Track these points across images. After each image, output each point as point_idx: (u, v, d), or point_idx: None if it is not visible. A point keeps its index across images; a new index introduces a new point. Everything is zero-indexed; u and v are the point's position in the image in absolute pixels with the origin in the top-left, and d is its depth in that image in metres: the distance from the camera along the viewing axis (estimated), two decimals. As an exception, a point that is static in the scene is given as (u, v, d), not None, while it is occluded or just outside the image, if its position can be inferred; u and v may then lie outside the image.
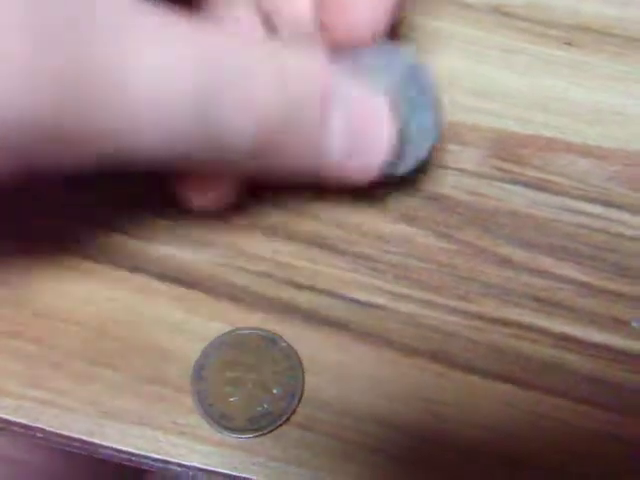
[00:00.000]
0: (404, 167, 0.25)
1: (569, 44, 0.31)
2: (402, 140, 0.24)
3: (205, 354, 0.24)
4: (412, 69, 0.25)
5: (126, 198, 0.27)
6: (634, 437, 0.23)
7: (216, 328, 0.25)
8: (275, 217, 0.27)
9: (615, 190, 0.27)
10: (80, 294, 0.25)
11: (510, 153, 0.28)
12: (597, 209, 0.27)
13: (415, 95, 0.24)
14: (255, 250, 0.26)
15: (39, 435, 0.23)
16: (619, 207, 0.27)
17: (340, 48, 0.24)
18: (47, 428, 0.23)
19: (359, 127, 0.23)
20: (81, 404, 0.24)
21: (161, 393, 0.24)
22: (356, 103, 0.23)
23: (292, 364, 0.24)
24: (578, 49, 0.31)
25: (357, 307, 0.25)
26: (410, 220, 0.27)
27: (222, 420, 0.23)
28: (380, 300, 0.25)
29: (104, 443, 0.23)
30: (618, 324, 0.25)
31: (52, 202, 0.26)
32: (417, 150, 0.25)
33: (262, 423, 0.23)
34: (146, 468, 0.23)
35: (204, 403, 0.23)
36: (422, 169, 0.27)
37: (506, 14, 0.31)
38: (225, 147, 0.21)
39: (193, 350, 0.24)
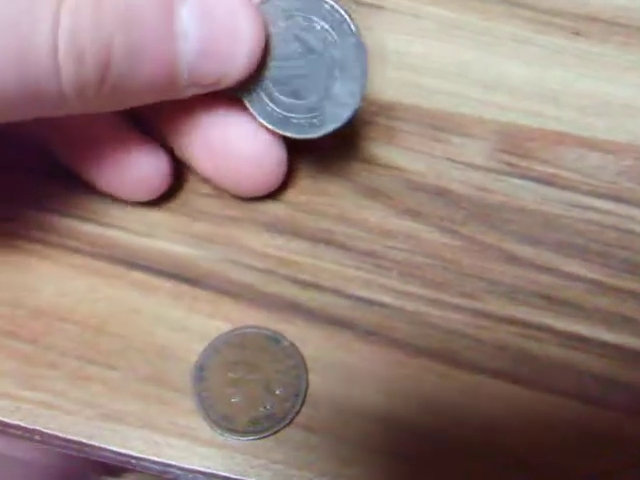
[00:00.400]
0: (322, 130, 0.24)
1: (577, 34, 0.30)
2: (322, 101, 0.23)
3: (206, 354, 0.24)
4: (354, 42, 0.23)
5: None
6: (642, 438, 0.23)
7: (217, 327, 0.24)
8: (279, 213, 0.26)
9: (625, 185, 0.26)
10: (77, 292, 0.24)
11: (518, 147, 0.27)
12: (607, 205, 0.26)
13: (343, 60, 0.23)
14: (258, 246, 0.25)
15: (37, 438, 0.23)
16: (629, 203, 0.26)
17: None
18: (45, 430, 0.23)
19: (214, 24, 0.21)
20: (79, 406, 0.23)
21: (161, 394, 0.23)
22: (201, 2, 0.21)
23: (295, 363, 0.23)
24: (586, 39, 0.30)
25: (361, 305, 0.24)
26: (415, 215, 0.26)
27: (223, 422, 0.23)
28: (385, 298, 0.25)
29: (103, 446, 0.22)
30: (628, 323, 0.24)
31: (48, 198, 0.26)
32: (336, 115, 0.23)
33: (264, 425, 0.23)
34: (146, 472, 0.22)
35: (205, 404, 0.23)
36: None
37: (515, 3, 0.30)
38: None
39: (194, 349, 0.24)
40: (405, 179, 0.26)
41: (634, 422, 0.23)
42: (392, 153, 0.27)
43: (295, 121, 0.23)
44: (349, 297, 0.25)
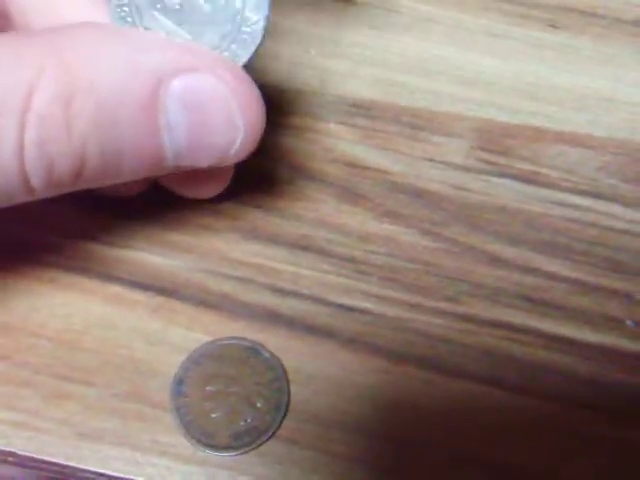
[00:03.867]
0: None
1: (553, 26, 0.28)
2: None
3: (184, 367, 0.22)
4: None
5: (95, 203, 0.24)
6: (629, 439, 0.22)
7: (196, 338, 0.23)
8: (256, 219, 0.24)
9: (605, 181, 0.25)
10: (49, 306, 0.23)
11: (497, 144, 0.26)
12: (587, 201, 0.25)
13: None
14: (235, 254, 0.24)
15: (11, 460, 0.21)
16: (609, 199, 0.25)
17: None
18: (20, 452, 0.21)
19: (204, 114, 0.19)
20: (55, 425, 0.21)
21: (139, 410, 0.22)
22: (191, 91, 0.19)
23: (276, 375, 0.22)
24: (562, 31, 0.29)
25: (342, 313, 0.23)
26: (395, 218, 0.25)
27: (204, 437, 0.21)
28: (366, 304, 0.23)
29: (82, 467, 0.21)
30: (612, 323, 0.23)
31: (17, 211, 0.24)
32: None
33: (246, 439, 0.21)
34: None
35: (184, 420, 0.21)
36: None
37: (490, -4, 0.29)
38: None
39: (172, 363, 0.22)
40: (384, 181, 0.25)
41: (620, 423, 0.22)
42: (370, 154, 0.26)
43: None
44: (329, 304, 0.23)
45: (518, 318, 0.23)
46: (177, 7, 0.19)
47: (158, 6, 0.19)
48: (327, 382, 0.22)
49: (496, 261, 0.24)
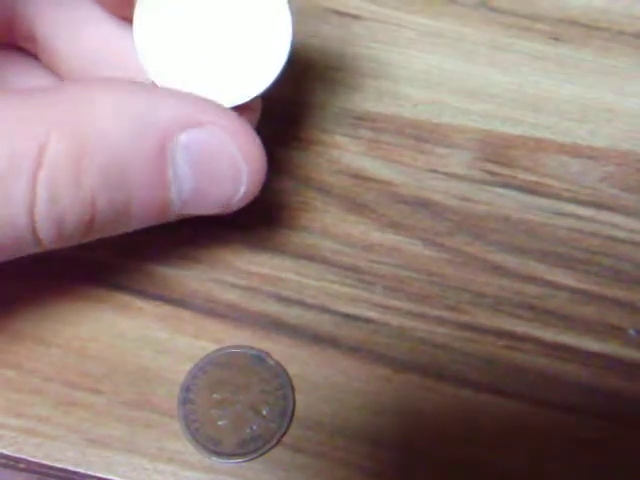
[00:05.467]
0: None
1: (556, 39, 0.28)
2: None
3: (191, 375, 0.22)
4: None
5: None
6: (632, 446, 0.22)
7: (203, 347, 0.23)
8: (262, 230, 0.25)
9: (607, 191, 0.25)
10: (59, 315, 0.23)
11: (500, 155, 0.26)
12: (589, 212, 0.25)
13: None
14: (241, 264, 0.24)
15: (22, 466, 0.21)
16: (611, 209, 0.25)
17: None
18: (30, 459, 0.21)
19: (211, 169, 0.20)
20: (64, 432, 0.22)
21: (147, 418, 0.22)
22: (201, 149, 0.19)
23: (281, 383, 0.22)
24: (565, 44, 0.28)
25: (346, 321, 0.23)
26: (398, 228, 0.25)
27: (210, 445, 0.21)
28: (369, 313, 0.23)
29: (90, 472, 0.21)
30: (614, 332, 0.23)
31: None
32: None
33: (252, 446, 0.21)
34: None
35: (191, 427, 0.22)
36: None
37: (492, 9, 0.29)
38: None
39: (179, 371, 0.22)
40: (388, 191, 0.25)
41: (624, 432, 0.22)
42: (375, 166, 0.26)
43: None
44: (334, 314, 0.23)
45: (520, 327, 0.23)
46: None
47: None
48: (331, 390, 0.22)
49: (499, 270, 0.24)
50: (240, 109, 0.20)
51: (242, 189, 0.20)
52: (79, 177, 0.18)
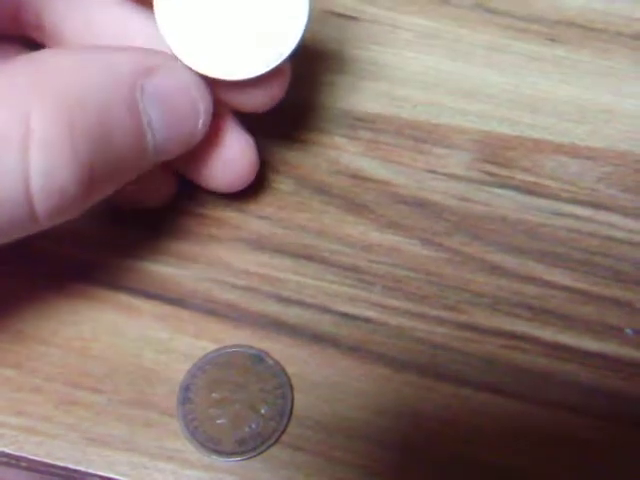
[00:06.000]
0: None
1: (553, 40, 0.28)
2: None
3: (191, 374, 0.22)
4: None
5: (105, 214, 0.25)
6: (631, 446, 0.22)
7: (202, 346, 0.23)
8: (261, 230, 0.25)
9: (605, 192, 0.25)
10: (60, 315, 0.23)
11: (498, 156, 0.26)
12: (587, 212, 0.25)
13: None
14: (240, 264, 0.24)
15: (23, 465, 0.21)
16: (609, 209, 0.25)
17: None
18: (31, 457, 0.21)
19: (169, 107, 0.21)
20: (65, 430, 0.22)
21: (147, 417, 0.22)
22: (164, 92, 0.20)
23: (280, 382, 0.22)
24: (562, 45, 0.28)
25: (345, 321, 0.23)
26: (397, 228, 0.25)
27: (209, 443, 0.21)
28: (368, 313, 0.23)
29: (90, 471, 0.21)
30: (612, 331, 0.23)
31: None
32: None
33: (251, 445, 0.21)
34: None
35: (190, 426, 0.21)
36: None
37: (489, 10, 0.29)
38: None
39: (179, 370, 0.22)
40: (387, 192, 0.25)
41: (623, 431, 0.22)
42: (373, 166, 0.26)
43: None
44: (333, 313, 0.23)
45: (519, 327, 0.23)
46: None
47: None
48: (330, 389, 0.22)
49: (497, 270, 0.24)
50: (273, 74, 0.21)
51: (201, 120, 0.21)
52: (73, 141, 0.18)
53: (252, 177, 0.24)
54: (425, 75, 0.27)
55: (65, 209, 0.19)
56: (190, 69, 0.21)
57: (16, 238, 0.19)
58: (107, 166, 0.19)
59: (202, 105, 0.21)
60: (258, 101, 0.22)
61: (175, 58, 0.21)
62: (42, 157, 0.17)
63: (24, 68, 0.18)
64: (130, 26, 0.22)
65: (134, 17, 0.22)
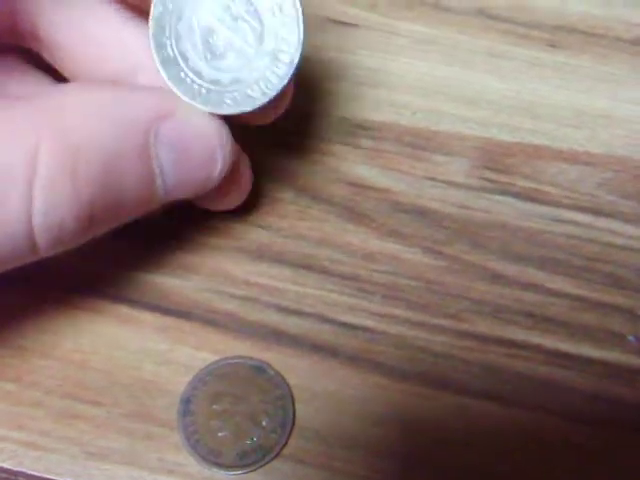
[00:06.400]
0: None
1: (553, 46, 0.28)
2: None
3: (191, 386, 0.22)
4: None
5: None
6: (634, 454, 0.22)
7: (203, 358, 0.23)
8: (260, 239, 0.24)
9: (605, 198, 0.25)
10: (59, 327, 0.23)
11: (498, 162, 0.26)
12: (587, 218, 0.25)
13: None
14: (240, 274, 0.24)
15: (20, 479, 0.21)
16: (610, 215, 0.25)
17: None
18: (31, 472, 0.21)
19: (183, 153, 0.20)
20: (64, 444, 0.21)
21: (147, 429, 0.22)
22: (179, 138, 0.20)
23: (281, 393, 0.22)
24: (562, 50, 0.28)
25: (345, 331, 0.23)
26: (397, 236, 0.24)
27: (210, 456, 0.21)
28: (368, 322, 0.23)
29: (90, 485, 0.21)
30: (614, 338, 0.23)
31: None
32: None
33: (252, 458, 0.21)
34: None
35: (191, 439, 0.21)
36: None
37: (489, 16, 0.29)
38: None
39: (179, 382, 0.22)
40: (387, 200, 0.25)
41: (623, 438, 0.22)
42: (373, 174, 0.25)
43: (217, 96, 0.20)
44: (333, 322, 0.23)
45: (520, 334, 0.23)
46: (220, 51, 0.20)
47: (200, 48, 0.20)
48: (331, 399, 0.22)
49: (498, 278, 0.24)
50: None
51: (218, 166, 0.21)
52: (74, 180, 0.18)
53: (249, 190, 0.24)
54: (424, 82, 0.27)
55: (65, 242, 0.19)
56: (211, 114, 0.20)
57: (16, 266, 0.19)
58: (110, 206, 0.19)
59: (221, 153, 0.20)
60: (261, 117, 0.22)
61: (197, 107, 0.20)
62: (44, 196, 0.18)
63: (39, 104, 0.18)
64: (126, 38, 0.22)
65: (130, 28, 0.22)
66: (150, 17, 0.20)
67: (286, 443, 0.21)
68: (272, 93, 0.20)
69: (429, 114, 0.27)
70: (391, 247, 0.24)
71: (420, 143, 0.26)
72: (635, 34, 0.29)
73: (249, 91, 0.20)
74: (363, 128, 0.26)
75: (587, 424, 0.22)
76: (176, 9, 0.20)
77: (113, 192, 0.19)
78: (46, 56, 0.23)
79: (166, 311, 0.23)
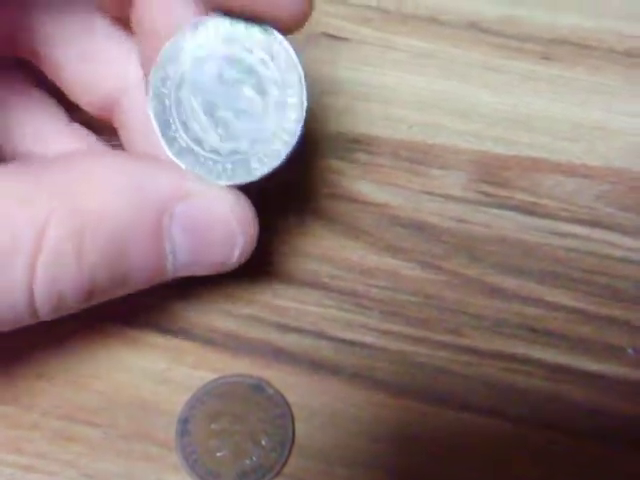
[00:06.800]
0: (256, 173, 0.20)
1: (547, 58, 0.28)
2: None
3: (189, 406, 0.22)
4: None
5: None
6: (633, 468, 0.21)
7: (201, 377, 0.22)
8: (258, 256, 0.24)
9: (603, 210, 0.25)
10: (57, 348, 0.23)
11: (495, 176, 0.25)
12: (586, 230, 0.24)
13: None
14: (239, 292, 0.23)
15: (19, 503, 0.21)
16: (608, 228, 0.24)
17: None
18: (27, 496, 0.21)
19: (199, 235, 0.19)
20: (62, 467, 0.21)
21: (145, 450, 0.21)
22: (197, 221, 0.19)
23: (281, 412, 0.22)
24: (556, 63, 0.28)
25: (345, 347, 0.23)
26: (395, 251, 0.24)
27: (210, 476, 0.21)
28: (367, 338, 0.23)
29: (87, 508, 0.21)
30: (613, 351, 0.23)
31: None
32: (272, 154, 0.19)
33: (252, 477, 0.21)
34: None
35: (190, 459, 0.21)
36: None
37: (482, 29, 0.29)
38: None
39: (178, 402, 0.22)
40: (384, 215, 0.25)
41: (625, 452, 0.21)
42: (370, 189, 0.25)
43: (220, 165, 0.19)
44: (332, 339, 0.23)
45: (520, 349, 0.23)
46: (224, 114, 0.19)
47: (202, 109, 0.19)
48: (331, 418, 0.22)
49: (497, 292, 0.24)
50: None
51: (237, 252, 0.20)
52: (79, 257, 0.17)
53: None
54: (420, 95, 0.27)
55: (67, 310, 0.19)
56: (233, 197, 0.19)
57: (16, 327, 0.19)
58: (114, 281, 0.18)
59: (242, 240, 0.19)
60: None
61: (219, 186, 0.19)
62: (47, 271, 0.17)
63: (52, 176, 0.18)
64: (120, 52, 0.21)
65: (124, 43, 0.21)
66: (151, 115, 0.19)
67: (286, 462, 0.21)
68: (293, 140, 0.19)
69: (425, 128, 0.26)
70: (389, 262, 0.24)
71: (417, 157, 0.26)
72: (628, 45, 0.29)
73: (272, 146, 0.19)
74: (359, 143, 0.26)
75: (588, 438, 0.22)
76: (173, 101, 0.19)
77: (119, 269, 0.18)
78: (45, 70, 0.22)
79: (163, 330, 0.23)
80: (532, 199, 0.25)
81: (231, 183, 0.19)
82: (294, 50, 0.19)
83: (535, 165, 0.26)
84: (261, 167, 0.19)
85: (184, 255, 0.19)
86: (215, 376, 0.22)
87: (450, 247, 0.24)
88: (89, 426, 0.22)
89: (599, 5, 0.29)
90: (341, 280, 0.24)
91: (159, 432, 0.22)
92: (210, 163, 0.19)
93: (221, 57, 0.19)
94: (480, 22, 0.29)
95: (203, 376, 0.22)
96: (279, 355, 0.23)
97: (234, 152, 0.19)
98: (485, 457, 0.21)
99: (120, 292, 0.19)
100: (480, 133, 0.26)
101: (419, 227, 0.25)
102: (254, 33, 0.19)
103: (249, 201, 0.20)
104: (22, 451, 0.21)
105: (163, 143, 0.19)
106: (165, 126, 0.19)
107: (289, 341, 0.23)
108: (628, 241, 0.24)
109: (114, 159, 0.19)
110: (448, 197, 0.25)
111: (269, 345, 0.23)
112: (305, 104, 0.19)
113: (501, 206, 0.25)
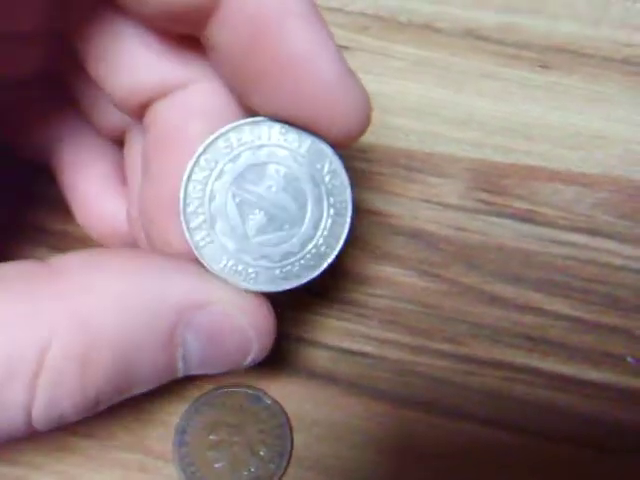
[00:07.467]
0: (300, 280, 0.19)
1: (544, 66, 0.28)
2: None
3: (186, 416, 0.21)
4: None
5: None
6: (632, 476, 0.21)
7: (198, 387, 0.22)
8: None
9: (601, 218, 0.25)
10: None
11: (493, 184, 0.25)
12: (584, 239, 0.24)
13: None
14: (235, 300, 0.23)
15: (13, 516, 0.20)
16: (606, 236, 0.24)
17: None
18: (22, 508, 0.20)
19: (213, 343, 0.18)
20: (58, 479, 0.21)
21: (141, 461, 0.21)
22: (212, 331, 0.18)
23: (279, 422, 0.21)
24: (553, 71, 0.28)
25: (344, 357, 0.22)
26: (394, 260, 0.24)
27: (208, 488, 0.20)
28: (367, 348, 0.22)
29: (83, 521, 0.20)
30: (613, 360, 0.22)
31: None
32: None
33: (250, 489, 0.20)
34: None
35: (187, 470, 0.21)
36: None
37: (480, 37, 0.28)
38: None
39: (175, 412, 0.21)
40: (382, 223, 0.24)
41: (623, 460, 0.21)
42: (368, 197, 0.25)
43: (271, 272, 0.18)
44: (330, 349, 0.22)
45: (519, 358, 0.22)
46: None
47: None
48: (329, 428, 0.21)
49: (495, 301, 0.23)
50: None
51: (250, 358, 0.18)
52: (83, 378, 0.16)
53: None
54: (417, 104, 0.27)
55: (65, 424, 0.17)
56: (254, 306, 0.18)
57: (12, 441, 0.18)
58: (120, 392, 0.17)
59: (257, 346, 0.18)
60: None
61: (238, 293, 0.18)
62: (47, 391, 0.16)
63: (58, 290, 0.16)
64: (163, 69, 0.19)
65: (167, 58, 0.19)
66: (186, 233, 0.17)
67: (284, 473, 0.21)
68: (335, 253, 0.18)
69: (423, 136, 0.26)
70: (387, 270, 0.24)
71: (414, 165, 0.26)
72: (625, 54, 0.28)
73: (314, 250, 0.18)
74: (357, 151, 0.26)
75: (588, 447, 0.21)
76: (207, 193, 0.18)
77: (125, 383, 0.17)
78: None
79: (160, 339, 0.23)
80: (530, 207, 0.25)
81: (255, 289, 0.18)
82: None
83: (533, 173, 0.25)
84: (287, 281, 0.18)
85: (196, 361, 0.18)
86: (212, 386, 0.22)
87: (448, 255, 0.24)
88: (84, 437, 0.21)
89: (596, 13, 0.29)
90: (339, 289, 0.23)
91: (155, 443, 0.21)
92: (240, 267, 0.18)
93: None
94: (477, 30, 0.29)
95: (200, 386, 0.22)
96: (277, 364, 0.22)
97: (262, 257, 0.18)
98: (486, 466, 0.21)
99: (124, 397, 0.18)
100: (478, 141, 0.26)
101: (417, 235, 0.24)
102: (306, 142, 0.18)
103: (271, 309, 0.18)
104: (17, 463, 0.21)
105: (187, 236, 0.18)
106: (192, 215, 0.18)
107: (287, 350, 0.22)
108: (627, 249, 0.24)
109: (122, 266, 0.17)
110: (446, 205, 0.25)
111: (267, 355, 0.22)
112: (350, 209, 0.19)
113: (499, 214, 0.25)
